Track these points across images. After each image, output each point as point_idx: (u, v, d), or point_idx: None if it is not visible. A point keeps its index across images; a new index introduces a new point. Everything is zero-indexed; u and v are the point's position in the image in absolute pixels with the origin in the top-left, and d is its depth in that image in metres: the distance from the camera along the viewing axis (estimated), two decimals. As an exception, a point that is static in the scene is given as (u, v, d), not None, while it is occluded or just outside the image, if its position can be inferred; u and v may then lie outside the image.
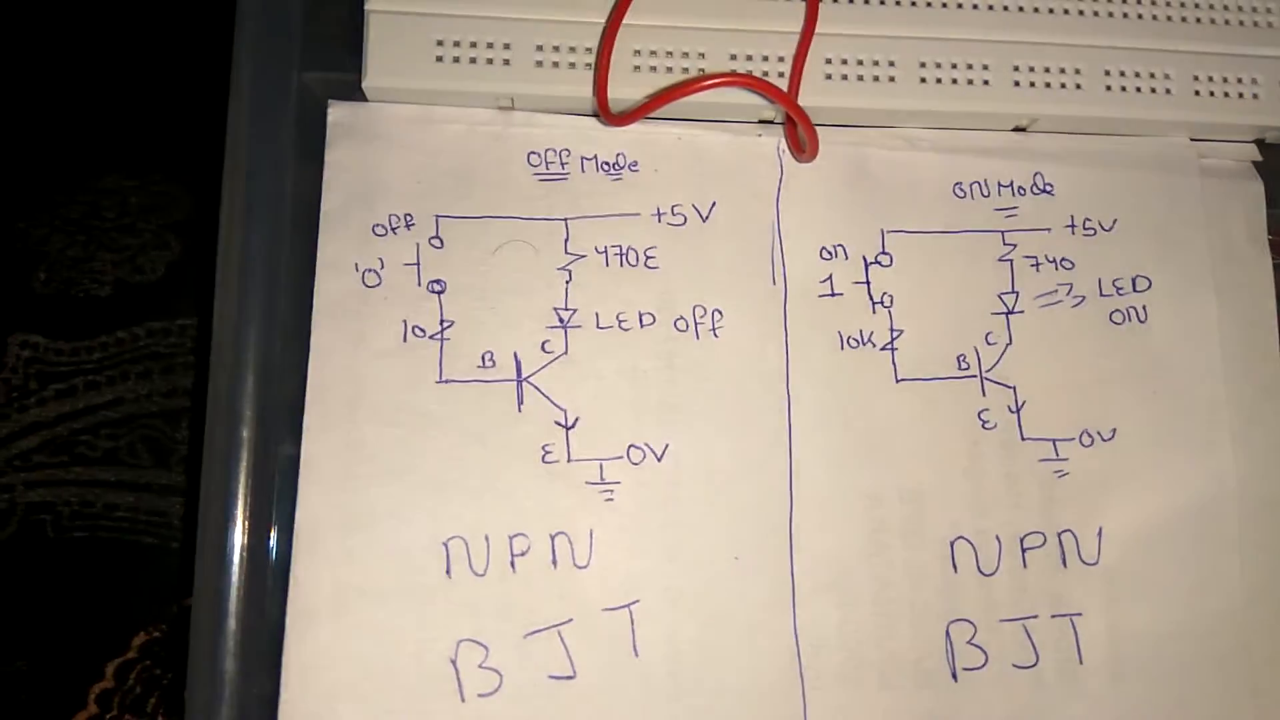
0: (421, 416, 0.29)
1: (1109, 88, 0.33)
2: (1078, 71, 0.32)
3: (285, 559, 0.29)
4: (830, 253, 0.32)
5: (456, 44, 0.30)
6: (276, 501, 0.30)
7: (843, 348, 0.32)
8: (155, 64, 0.41)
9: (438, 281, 0.30)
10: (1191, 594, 0.31)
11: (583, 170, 0.32)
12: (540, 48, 0.31)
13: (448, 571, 0.29)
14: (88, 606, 0.37)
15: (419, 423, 0.29)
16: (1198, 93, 0.33)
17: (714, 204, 0.32)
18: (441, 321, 0.30)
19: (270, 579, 0.29)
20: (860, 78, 0.32)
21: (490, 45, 0.30)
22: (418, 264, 0.30)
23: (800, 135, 0.30)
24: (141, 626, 0.37)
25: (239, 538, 0.29)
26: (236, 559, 0.29)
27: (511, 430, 0.30)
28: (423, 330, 0.30)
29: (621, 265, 0.31)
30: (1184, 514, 0.32)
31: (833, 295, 0.32)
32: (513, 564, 0.29)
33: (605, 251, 0.31)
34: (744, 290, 0.32)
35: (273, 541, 0.29)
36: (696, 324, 0.31)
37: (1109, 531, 0.31)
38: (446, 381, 0.30)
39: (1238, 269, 0.33)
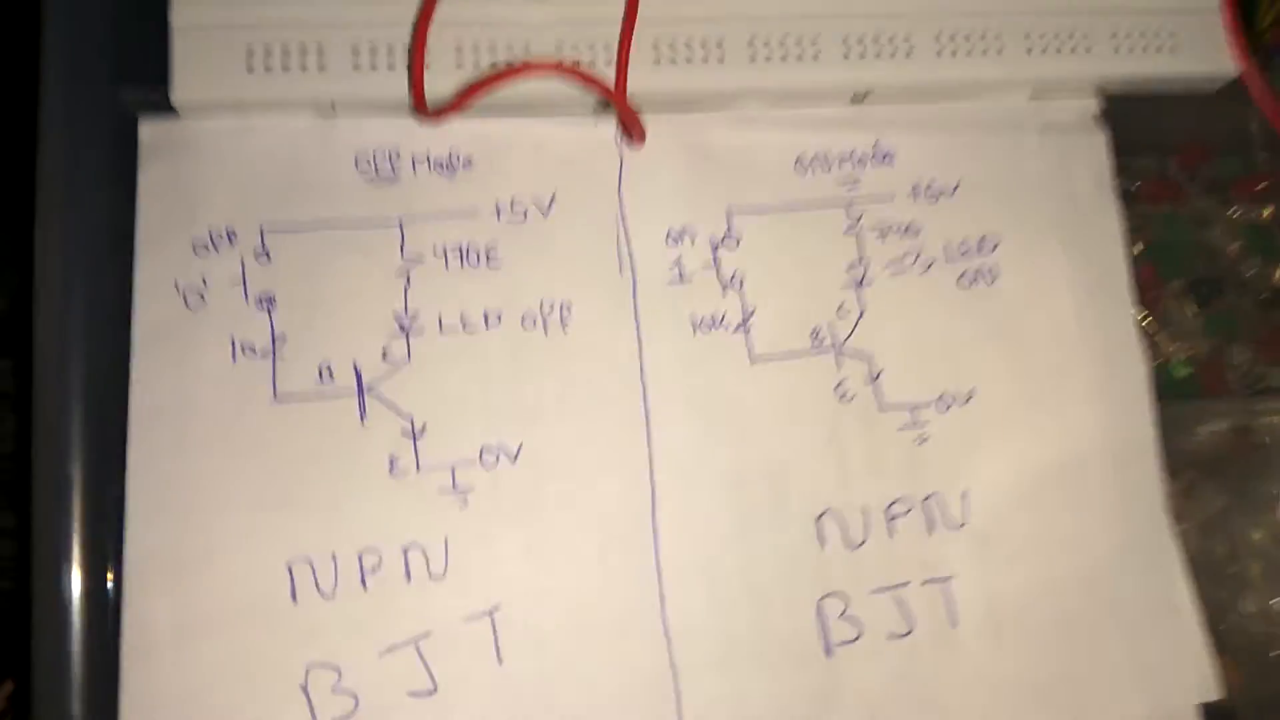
0: (257, 438, 0.28)
1: (940, 52, 0.32)
2: (908, 38, 0.32)
3: (128, 597, 0.28)
4: (676, 238, 0.32)
5: (268, 52, 0.29)
6: (113, 538, 0.28)
7: (695, 332, 0.31)
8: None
9: (267, 295, 0.29)
10: (1061, 549, 0.31)
11: (414, 170, 0.31)
12: (356, 49, 0.30)
13: (293, 595, 0.28)
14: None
15: (255, 445, 0.28)
16: (1031, 50, 0.33)
17: (554, 196, 0.31)
18: (273, 337, 0.29)
19: (113, 619, 0.28)
20: (690, 60, 0.31)
21: (304, 50, 0.29)
22: (244, 278, 0.29)
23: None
24: (7, 675, 0.35)
25: (75, 578, 0.28)
26: (75, 600, 0.28)
27: (356, 443, 0.29)
28: (253, 348, 0.29)
29: (462, 265, 0.31)
30: (1047, 470, 0.32)
31: (682, 280, 0.32)
32: (364, 581, 0.28)
33: (444, 253, 0.31)
34: (592, 282, 0.31)
35: (112, 580, 0.28)
36: (545, 320, 0.31)
37: (974, 494, 0.31)
38: (282, 399, 0.29)
39: (1086, 221, 0.33)
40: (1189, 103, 0.35)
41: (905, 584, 0.31)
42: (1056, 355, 0.33)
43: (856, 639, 0.30)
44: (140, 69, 0.30)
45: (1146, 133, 0.36)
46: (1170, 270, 0.37)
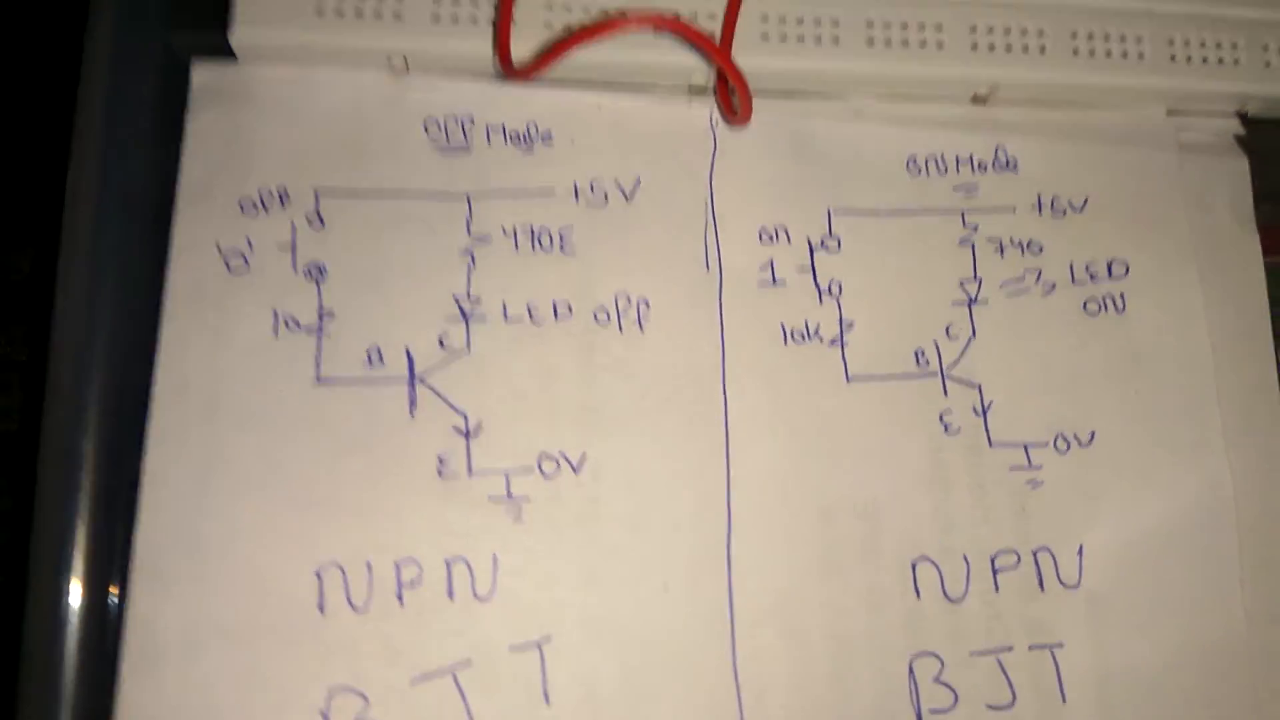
0: (294, 421, 0.25)
1: (1076, 51, 0.29)
2: (1041, 33, 0.29)
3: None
4: (771, 236, 0.29)
5: (340, -4, 0.27)
6: (124, 529, 0.25)
7: (786, 342, 0.28)
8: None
9: (317, 266, 0.26)
10: (1188, 619, 0.28)
11: (488, 141, 0.28)
12: None
13: (320, 606, 0.24)
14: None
15: (290, 429, 0.25)
16: (1174, 58, 0.30)
17: (639, 180, 0.28)
18: (320, 312, 0.26)
19: (113, 619, 0.25)
20: (801, 38, 0.28)
21: (379, -3, 0.27)
22: (293, 245, 0.26)
23: (732, 95, 0.26)
24: None
25: (77, 570, 0.25)
26: (74, 597, 0.25)
27: (402, 438, 0.26)
28: (297, 322, 0.26)
29: (533, 248, 0.27)
30: (1175, 527, 0.28)
31: (774, 283, 0.28)
32: (400, 596, 0.25)
33: (514, 233, 0.27)
34: (674, 277, 0.28)
35: (118, 576, 0.25)
36: (619, 316, 0.27)
37: (1091, 549, 0.28)
38: (325, 381, 0.26)
39: (1223, 252, 0.30)
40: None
41: (1009, 648, 0.27)
42: (1188, 397, 0.29)
43: (951, 707, 0.26)
44: (197, 13, 0.28)
45: (1263, 175, 0.32)
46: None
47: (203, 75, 0.27)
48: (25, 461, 0.31)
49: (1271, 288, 0.32)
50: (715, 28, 0.27)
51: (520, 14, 0.26)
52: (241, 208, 0.26)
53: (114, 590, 0.24)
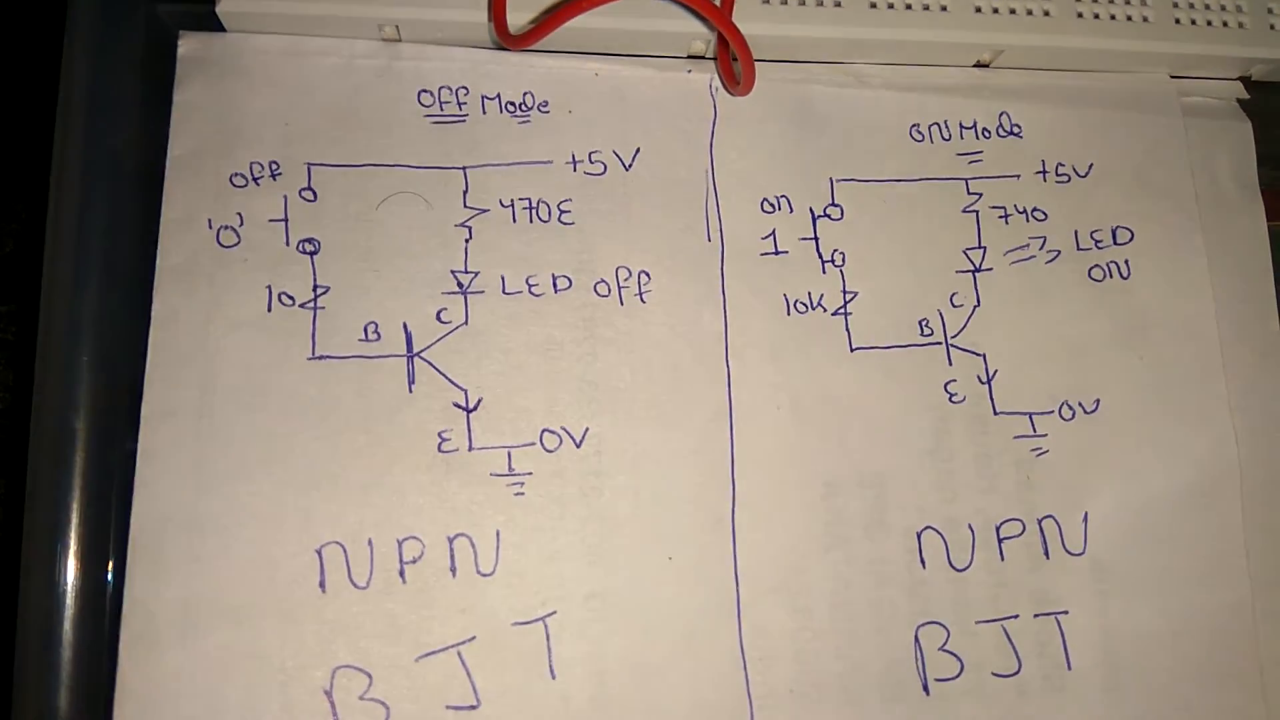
0: (290, 399, 0.25)
1: (1081, 15, 0.29)
2: (1046, -3, 0.29)
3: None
4: (773, 205, 0.28)
5: (329, -38, 0.26)
6: (118, 507, 0.25)
7: (789, 313, 0.28)
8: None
9: (310, 240, 0.26)
10: (1192, 585, 0.28)
11: (484, 111, 0.27)
12: (429, -35, 0.26)
13: (322, 584, 0.24)
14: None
15: (287, 406, 0.25)
16: (1178, 21, 0.29)
17: (638, 150, 0.28)
18: (315, 287, 0.25)
19: (109, 599, 0.24)
20: (803, 2, 0.28)
21: (370, -37, 0.26)
22: (285, 219, 0.26)
23: (734, 64, 0.26)
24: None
25: (71, 552, 0.24)
26: (69, 577, 0.24)
27: (401, 414, 0.25)
28: (291, 298, 0.25)
29: (531, 221, 0.27)
30: (1180, 494, 0.28)
31: (776, 253, 0.28)
32: (402, 573, 0.24)
33: (511, 205, 0.27)
34: (674, 249, 0.28)
35: (114, 556, 0.24)
36: (620, 288, 0.27)
37: (1096, 517, 0.28)
38: (321, 357, 0.25)
39: (1228, 217, 0.30)
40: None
41: (1014, 616, 0.27)
42: (1193, 363, 0.29)
43: (958, 675, 0.26)
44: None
45: (1266, 140, 0.32)
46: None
47: (189, 45, 0.26)
48: (18, 441, 0.31)
49: (1274, 252, 0.32)
50: (715, -8, 0.27)
51: (515, -21, 0.26)
52: (232, 180, 0.26)
53: (110, 569, 0.24)
